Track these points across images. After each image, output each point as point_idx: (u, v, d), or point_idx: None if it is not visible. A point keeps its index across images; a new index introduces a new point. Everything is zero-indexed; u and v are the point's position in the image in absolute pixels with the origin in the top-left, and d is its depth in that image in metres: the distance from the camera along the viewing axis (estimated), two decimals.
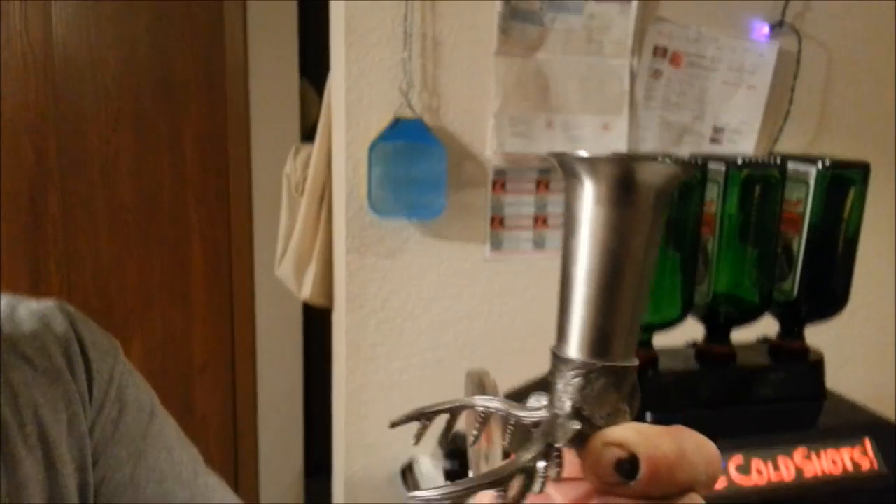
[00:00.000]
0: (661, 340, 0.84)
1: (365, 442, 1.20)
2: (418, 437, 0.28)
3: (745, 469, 0.75)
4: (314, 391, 2.70)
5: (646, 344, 0.81)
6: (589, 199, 0.25)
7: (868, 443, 0.79)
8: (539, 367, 0.95)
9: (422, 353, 1.20)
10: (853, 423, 0.82)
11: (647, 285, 0.26)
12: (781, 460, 0.76)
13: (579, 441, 0.25)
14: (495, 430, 0.78)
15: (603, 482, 0.24)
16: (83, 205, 2.17)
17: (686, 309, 0.81)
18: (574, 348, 0.25)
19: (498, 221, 1.26)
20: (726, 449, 0.76)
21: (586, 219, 0.25)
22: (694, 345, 0.89)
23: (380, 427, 1.21)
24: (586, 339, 0.25)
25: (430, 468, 1.20)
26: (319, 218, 1.26)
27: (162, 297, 2.35)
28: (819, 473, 0.77)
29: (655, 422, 0.76)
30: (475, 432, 0.29)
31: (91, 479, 0.55)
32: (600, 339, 0.25)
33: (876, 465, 0.78)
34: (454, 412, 0.28)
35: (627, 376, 0.26)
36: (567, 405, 0.25)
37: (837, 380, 0.91)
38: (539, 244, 1.27)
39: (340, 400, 1.23)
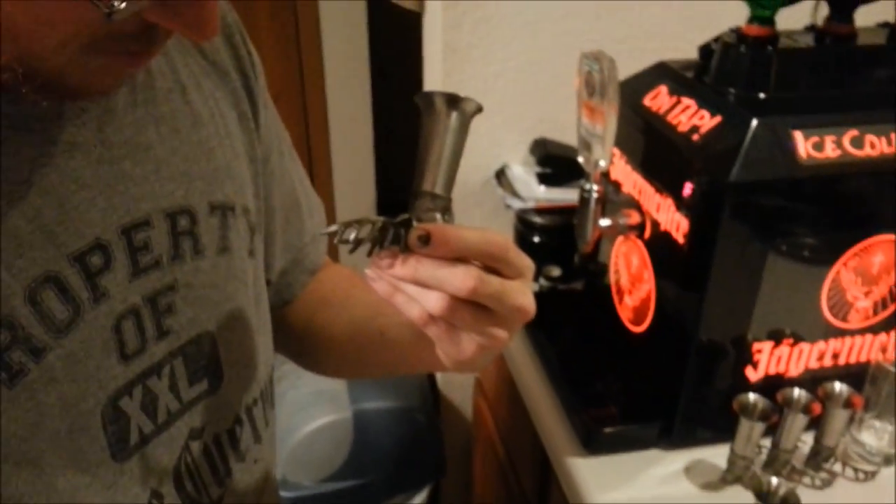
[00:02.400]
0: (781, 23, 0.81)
1: None
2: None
3: (858, 143, 0.75)
4: (382, 120, 2.74)
5: (768, 20, 0.78)
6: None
7: None
8: (638, 64, 0.93)
9: (517, 55, 1.19)
10: None
11: (457, 160, 0.45)
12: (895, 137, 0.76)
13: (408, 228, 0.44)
14: (610, 109, 0.79)
15: (415, 250, 0.42)
16: None
17: None
18: (418, 185, 0.44)
19: None
20: (841, 123, 0.76)
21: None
22: (812, 27, 0.86)
23: (474, 133, 1.23)
24: (424, 181, 0.44)
25: (523, 173, 1.24)
26: None
27: None
28: None
29: (770, 98, 0.73)
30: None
31: (261, 169, 0.56)
32: (431, 182, 0.44)
33: None
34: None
35: (441, 201, 0.44)
36: (411, 211, 0.44)
37: None
38: None
39: None
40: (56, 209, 0.40)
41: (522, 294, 0.44)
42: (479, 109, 0.45)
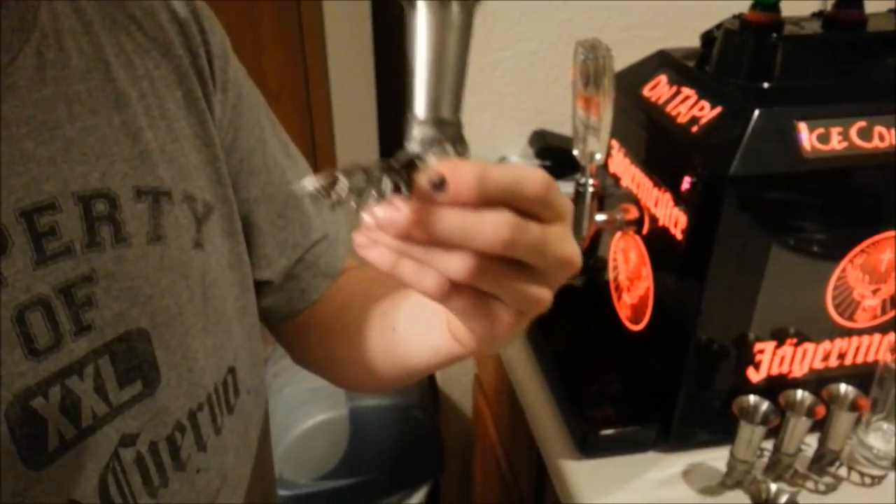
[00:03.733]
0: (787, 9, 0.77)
1: None
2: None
3: (866, 135, 0.72)
4: (387, 116, 2.72)
5: (772, 6, 0.75)
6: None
7: None
8: (641, 54, 0.90)
9: (515, 45, 1.16)
10: None
11: (463, 69, 0.35)
12: None
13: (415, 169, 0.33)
14: (605, 99, 0.76)
15: (427, 196, 0.31)
16: None
17: None
18: (418, 110, 0.34)
19: None
20: (848, 114, 0.72)
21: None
22: (820, 13, 0.82)
23: (471, 124, 1.20)
24: (424, 103, 0.34)
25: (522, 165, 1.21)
26: None
27: (228, 20, 2.29)
28: None
29: (773, 88, 0.71)
30: None
31: (222, 154, 0.52)
32: (433, 103, 0.34)
33: None
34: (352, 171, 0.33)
35: (450, 127, 0.35)
36: (412, 146, 0.34)
37: None
38: None
39: None
40: None
41: (567, 241, 0.35)
42: None
